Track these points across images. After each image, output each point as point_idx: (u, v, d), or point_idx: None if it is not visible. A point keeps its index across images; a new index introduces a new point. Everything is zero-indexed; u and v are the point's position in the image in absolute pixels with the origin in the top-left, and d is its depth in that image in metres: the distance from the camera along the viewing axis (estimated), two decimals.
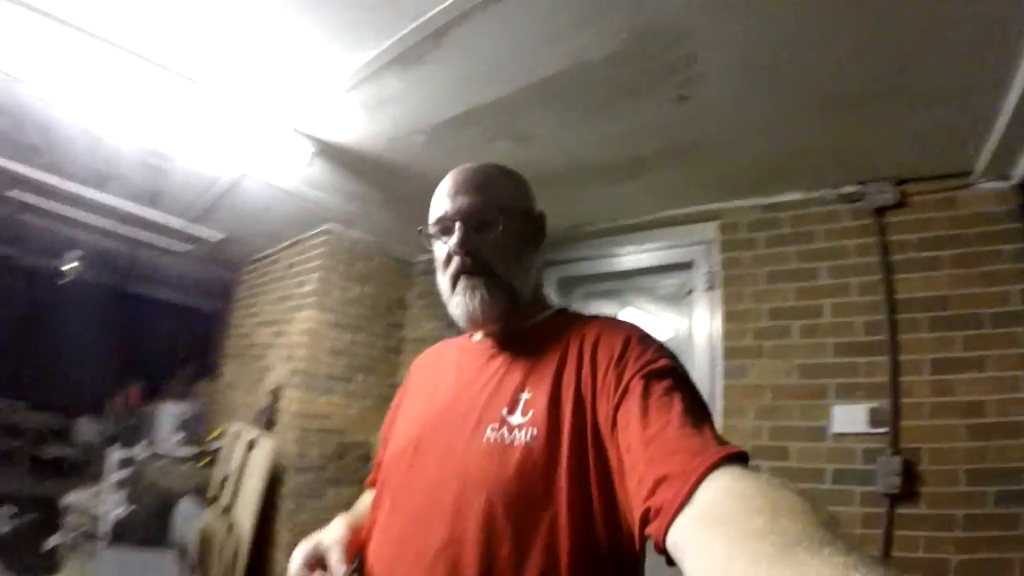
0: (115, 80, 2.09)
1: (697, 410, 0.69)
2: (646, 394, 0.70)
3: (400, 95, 2.02)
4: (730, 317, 2.40)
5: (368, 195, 2.97)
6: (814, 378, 2.15)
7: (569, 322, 0.91)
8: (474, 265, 0.90)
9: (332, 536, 0.88)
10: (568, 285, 3.11)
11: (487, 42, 1.66)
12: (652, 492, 0.59)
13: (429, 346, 3.16)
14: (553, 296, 2.74)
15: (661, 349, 0.79)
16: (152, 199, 3.57)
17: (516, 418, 0.80)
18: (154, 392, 5.52)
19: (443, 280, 0.95)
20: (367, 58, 1.82)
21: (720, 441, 0.63)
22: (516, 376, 0.86)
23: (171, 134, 2.53)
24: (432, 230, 0.96)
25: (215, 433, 3.90)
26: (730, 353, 2.37)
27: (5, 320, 6.01)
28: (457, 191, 0.93)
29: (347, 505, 3.50)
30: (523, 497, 0.74)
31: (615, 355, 0.77)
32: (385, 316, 3.69)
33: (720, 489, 0.54)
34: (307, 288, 3.51)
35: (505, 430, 0.79)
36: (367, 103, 2.10)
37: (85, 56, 1.96)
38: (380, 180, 2.74)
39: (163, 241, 4.32)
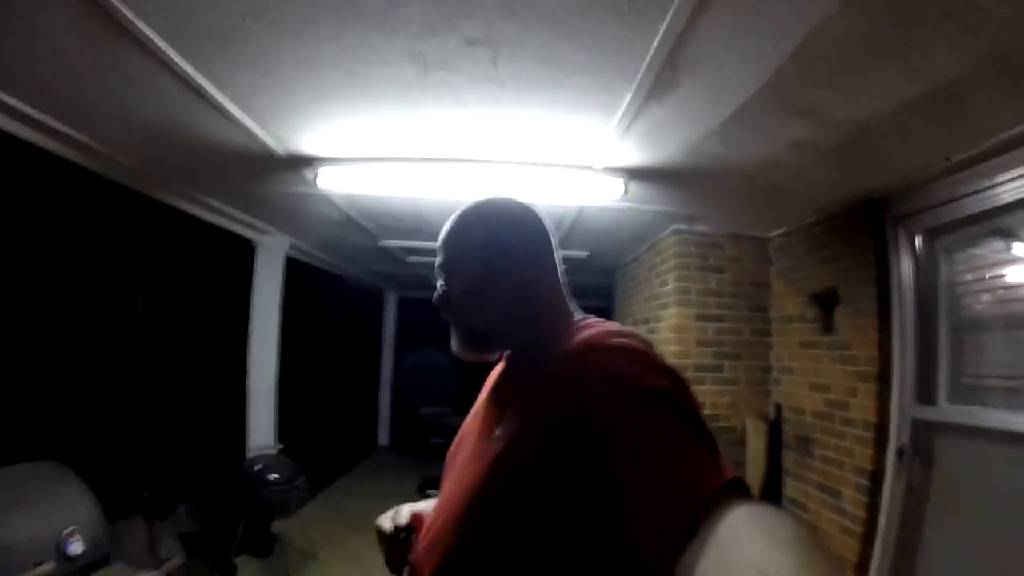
0: (460, 175, 2.76)
1: (685, 437, 0.68)
2: (626, 426, 0.68)
3: (671, 118, 2.07)
4: None
5: (699, 194, 3.01)
6: None
7: (569, 340, 0.87)
8: (446, 312, 1.01)
9: (413, 505, 1.05)
10: (939, 233, 2.58)
11: (717, 47, 1.57)
12: (652, 525, 0.61)
13: (796, 324, 3.04)
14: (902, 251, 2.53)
15: (656, 368, 0.75)
16: None
17: (496, 433, 0.87)
18: None
19: None
20: (624, 102, 1.95)
21: (714, 470, 0.63)
22: (509, 395, 0.95)
23: (522, 196, 3.08)
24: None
25: None
26: None
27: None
28: (443, 238, 1.03)
29: None
30: (488, 505, 0.80)
31: (594, 378, 0.75)
32: (747, 300, 3.62)
33: (726, 526, 0.55)
34: (669, 287, 3.73)
35: (488, 442, 0.88)
36: (647, 133, 2.22)
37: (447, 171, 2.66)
38: (702, 180, 2.75)
39: None
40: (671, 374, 0.75)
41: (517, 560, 0.76)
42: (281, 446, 4.62)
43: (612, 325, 0.89)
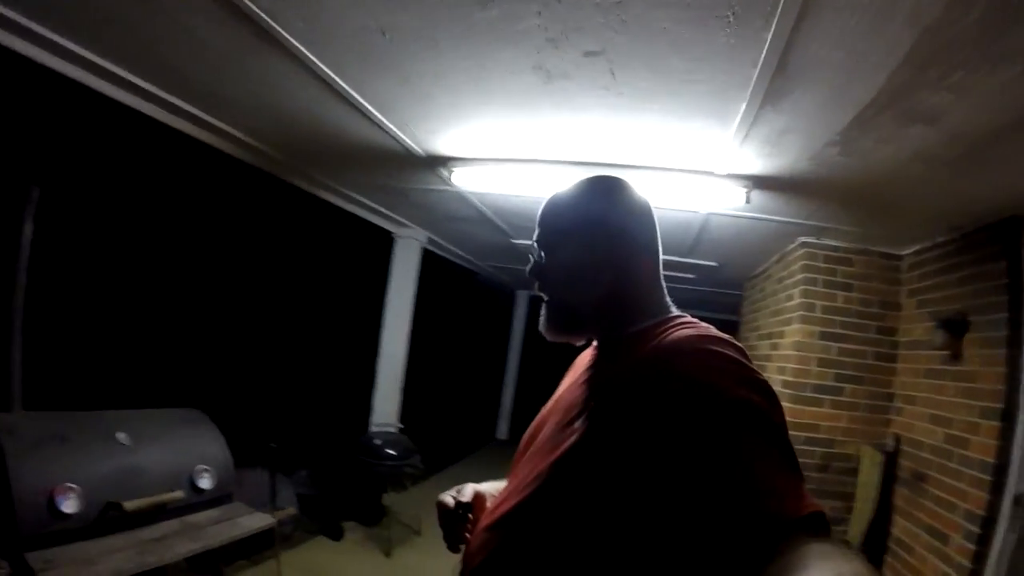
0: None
1: (770, 457, 0.65)
2: (711, 436, 0.67)
3: (789, 125, 2.08)
4: None
5: (825, 205, 2.92)
6: None
7: (662, 334, 0.85)
8: (540, 288, 1.00)
9: (477, 485, 1.07)
10: None
11: (826, 52, 1.58)
12: (726, 547, 0.60)
13: (923, 350, 2.85)
14: None
15: (748, 381, 0.72)
16: None
17: (575, 424, 0.85)
18: None
19: None
20: (740, 109, 2.00)
21: (796, 496, 0.61)
22: (594, 386, 0.90)
23: (649, 198, 3.15)
24: None
25: None
26: None
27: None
28: (537, 220, 1.03)
29: None
30: (554, 495, 0.80)
31: (686, 382, 0.73)
32: (874, 321, 3.39)
33: (793, 562, 0.54)
34: (793, 302, 3.60)
35: (565, 432, 0.86)
36: (768, 139, 2.23)
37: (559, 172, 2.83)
38: (826, 190, 2.68)
39: (672, 275, 5.21)
40: (762, 388, 0.72)
41: (574, 554, 0.75)
42: (401, 426, 5.01)
43: (708, 328, 0.84)
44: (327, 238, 4.73)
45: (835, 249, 3.47)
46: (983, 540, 2.37)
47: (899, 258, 3.44)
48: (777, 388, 3.58)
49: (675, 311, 0.96)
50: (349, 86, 2.24)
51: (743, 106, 1.96)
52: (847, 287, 3.45)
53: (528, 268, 1.01)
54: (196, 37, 2.01)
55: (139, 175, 3.18)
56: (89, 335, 3.02)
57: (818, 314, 3.45)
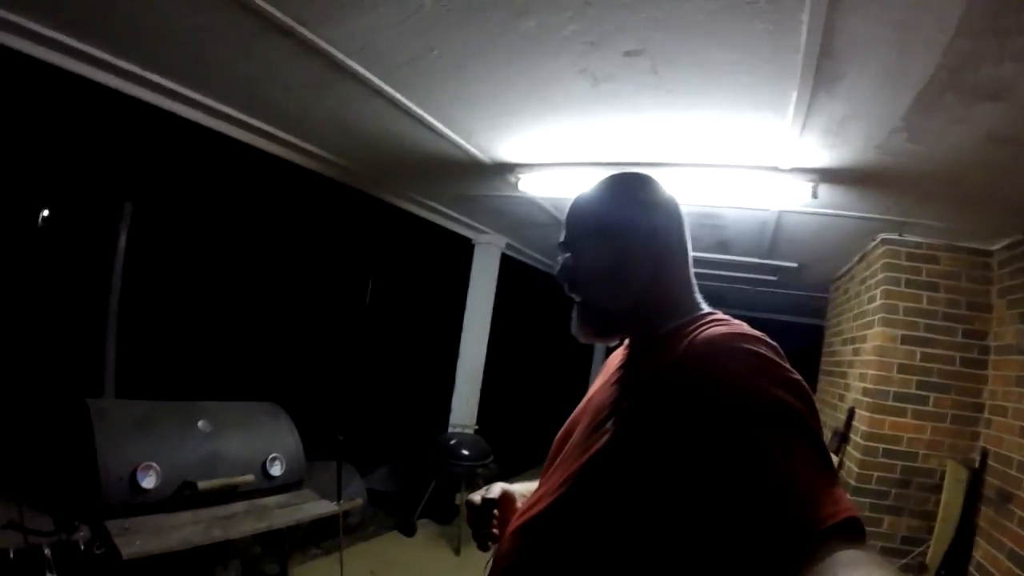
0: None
1: (808, 459, 0.64)
2: (748, 437, 0.66)
3: (848, 112, 2.01)
4: None
5: (901, 198, 2.78)
6: None
7: (694, 332, 0.84)
8: (571, 290, 0.99)
9: (505, 484, 1.08)
10: None
11: (871, 29, 1.52)
12: (760, 550, 0.60)
13: (1015, 357, 2.62)
14: None
15: (783, 382, 0.71)
16: (723, 247, 4.32)
17: (606, 424, 0.85)
18: None
19: None
20: (792, 97, 1.97)
21: (833, 501, 0.60)
22: (625, 387, 0.90)
23: (712, 200, 3.14)
24: None
25: None
26: None
27: None
28: (564, 222, 1.03)
29: (903, 539, 3.21)
30: (585, 496, 0.81)
31: (723, 382, 0.72)
32: (962, 324, 3.12)
33: (823, 571, 0.55)
34: (875, 304, 3.41)
35: (597, 433, 0.85)
36: (828, 129, 2.17)
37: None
38: (900, 181, 2.56)
39: (753, 277, 5.06)
40: (797, 389, 0.71)
41: (603, 557, 0.75)
42: (477, 427, 5.14)
43: (741, 325, 0.83)
44: (410, 246, 5.00)
45: (918, 246, 3.25)
46: None
47: (989, 254, 3.16)
48: (857, 396, 3.45)
49: (707, 308, 0.95)
50: (413, 103, 2.41)
51: (794, 94, 1.92)
52: (932, 287, 3.22)
53: (557, 270, 1.01)
54: (280, 74, 2.28)
55: (228, 193, 3.56)
56: (178, 334, 3.39)
57: (900, 316, 3.24)
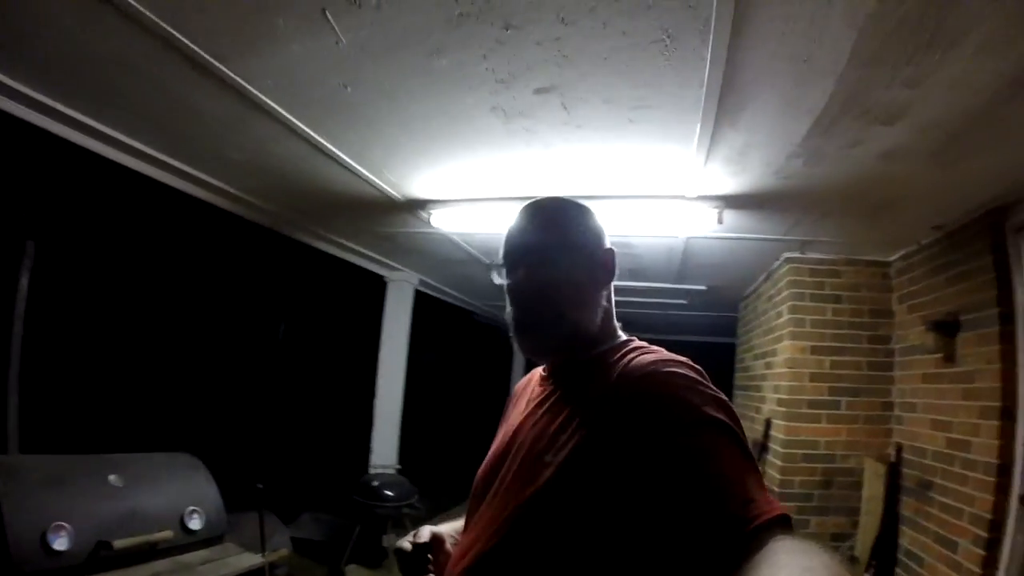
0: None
1: (741, 466, 0.69)
2: (685, 450, 0.70)
3: (750, 140, 2.09)
4: None
5: (802, 218, 2.92)
6: None
7: (621, 358, 0.87)
8: (535, 302, 0.92)
9: (432, 527, 1.03)
10: None
11: (770, 63, 1.59)
12: (707, 545, 0.63)
13: (919, 356, 2.80)
14: None
15: (712, 400, 0.76)
16: (634, 275, 4.44)
17: (548, 456, 0.83)
18: None
19: (508, 313, 0.97)
20: (696, 130, 2.02)
21: (765, 501, 0.65)
22: (561, 416, 0.87)
23: (623, 229, 3.18)
24: (501, 263, 0.99)
25: None
26: None
27: None
28: (524, 229, 0.97)
29: (832, 536, 3.36)
30: (541, 527, 0.79)
31: (654, 404, 0.76)
32: (867, 331, 3.35)
33: (769, 559, 0.58)
34: (783, 319, 3.57)
35: (539, 464, 0.83)
36: (730, 158, 2.25)
37: None
38: (800, 203, 2.70)
39: (664, 302, 5.23)
40: (725, 406, 0.77)
41: None
42: (400, 467, 4.98)
43: (665, 352, 0.88)
44: (322, 286, 4.80)
45: (820, 262, 3.45)
46: (992, 544, 2.29)
47: (887, 264, 3.41)
48: (773, 407, 3.59)
49: (623, 335, 0.99)
50: (324, 138, 2.30)
51: (698, 126, 1.98)
52: (836, 299, 3.42)
53: (522, 275, 0.94)
54: (194, 109, 2.12)
55: (136, 231, 3.28)
56: (84, 382, 3.08)
57: (808, 328, 3.42)
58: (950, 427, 2.66)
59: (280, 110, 2.04)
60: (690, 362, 0.83)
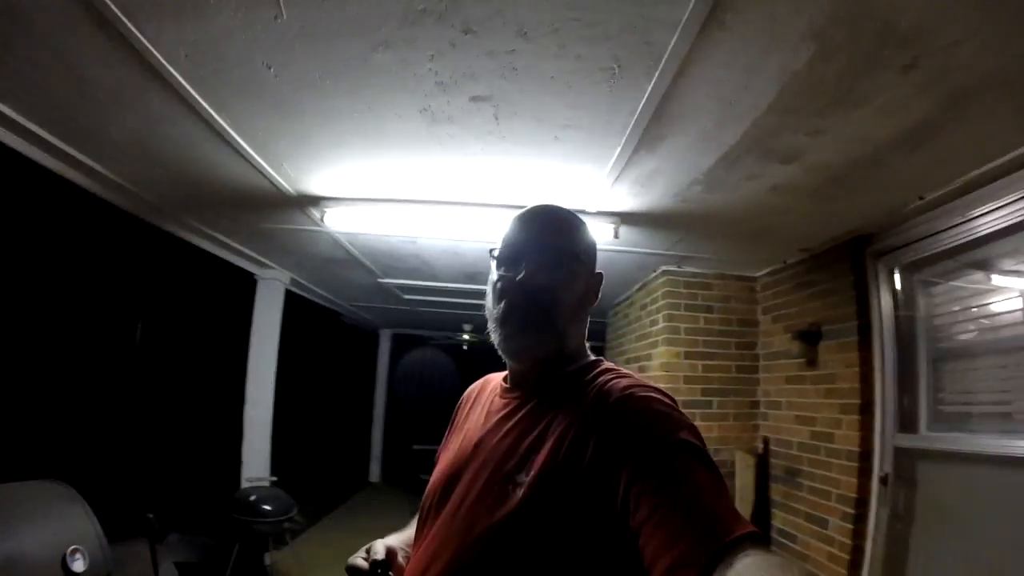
0: (459, 218, 2.95)
1: (714, 487, 0.71)
2: (661, 470, 0.71)
3: (660, 166, 2.23)
4: None
5: (687, 237, 3.16)
6: None
7: (595, 379, 0.89)
8: (531, 302, 0.90)
9: (384, 540, 1.00)
10: (917, 267, 2.72)
11: (700, 102, 1.72)
12: (680, 559, 0.63)
13: (782, 360, 3.13)
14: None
15: (685, 426, 0.78)
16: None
17: (521, 476, 0.82)
18: None
19: (494, 306, 0.95)
20: (615, 153, 2.11)
21: (736, 519, 0.66)
22: (532, 433, 0.87)
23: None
24: (499, 253, 0.97)
25: None
26: None
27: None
28: (537, 225, 0.95)
29: None
30: (514, 550, 0.78)
31: (631, 426, 0.78)
32: (735, 338, 3.75)
33: (737, 573, 0.59)
34: (658, 326, 3.85)
35: (510, 486, 0.82)
36: (638, 180, 2.38)
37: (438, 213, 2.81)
38: (689, 223, 2.91)
39: None
40: (697, 433, 0.79)
41: None
42: (275, 478, 4.65)
43: (637, 376, 0.89)
44: (187, 283, 4.27)
45: (695, 275, 3.78)
46: (860, 519, 2.70)
47: (754, 279, 3.83)
48: None
49: (593, 356, 0.98)
50: (227, 123, 2.05)
51: (617, 151, 2.08)
52: (708, 309, 3.77)
53: (529, 271, 0.90)
54: (82, 74, 1.78)
55: None
56: None
57: (682, 335, 3.73)
58: (814, 421, 3.07)
59: (186, 85, 1.78)
60: (662, 388, 0.86)
